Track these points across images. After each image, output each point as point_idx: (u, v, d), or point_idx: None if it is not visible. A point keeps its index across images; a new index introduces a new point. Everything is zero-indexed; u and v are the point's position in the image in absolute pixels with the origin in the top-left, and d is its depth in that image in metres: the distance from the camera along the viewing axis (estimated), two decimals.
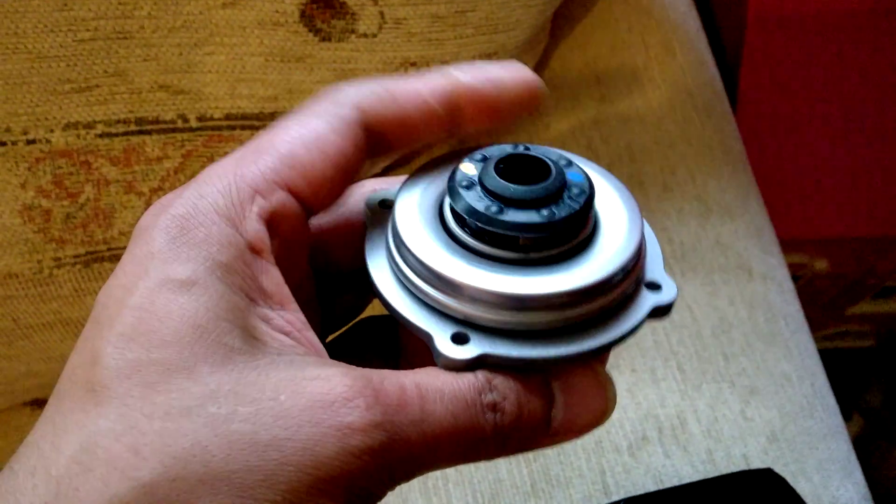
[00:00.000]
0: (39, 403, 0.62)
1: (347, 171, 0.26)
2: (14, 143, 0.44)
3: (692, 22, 0.69)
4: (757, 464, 0.49)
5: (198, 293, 0.22)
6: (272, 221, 0.24)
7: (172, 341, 0.22)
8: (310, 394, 0.22)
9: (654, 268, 0.27)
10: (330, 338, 0.31)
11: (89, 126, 0.45)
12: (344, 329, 0.32)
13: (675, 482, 0.47)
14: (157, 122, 0.47)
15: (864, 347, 1.27)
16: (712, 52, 0.69)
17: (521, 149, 0.27)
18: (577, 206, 0.25)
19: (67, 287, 0.50)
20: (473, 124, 0.28)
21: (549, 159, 0.26)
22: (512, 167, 0.26)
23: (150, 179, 0.48)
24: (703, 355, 0.53)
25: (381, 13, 0.46)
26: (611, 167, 0.60)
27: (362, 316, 0.32)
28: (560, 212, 0.25)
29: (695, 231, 0.58)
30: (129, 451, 0.20)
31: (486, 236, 0.25)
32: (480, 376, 0.24)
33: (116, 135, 0.46)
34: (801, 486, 0.48)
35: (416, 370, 0.24)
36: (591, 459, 0.49)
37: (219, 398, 0.21)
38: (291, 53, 0.46)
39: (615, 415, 0.51)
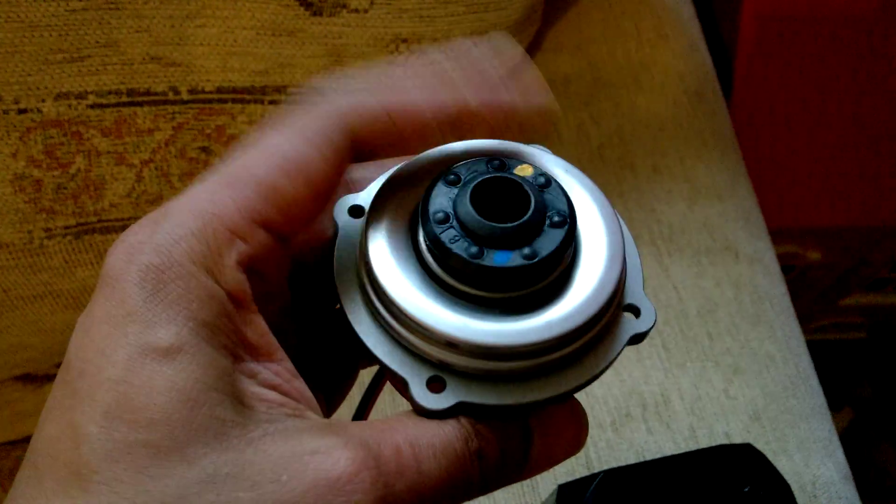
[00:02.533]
0: (31, 378, 0.63)
1: (328, 195, 0.25)
2: (5, 113, 0.45)
3: (686, 8, 0.69)
4: (738, 441, 0.49)
5: (184, 362, 0.21)
6: (253, 265, 0.23)
7: (161, 419, 0.20)
8: (312, 472, 0.21)
9: (634, 287, 0.26)
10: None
11: (81, 96, 0.46)
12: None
13: (657, 458, 0.48)
14: (148, 93, 0.47)
15: (856, 339, 1.28)
16: (710, 43, 0.70)
17: (495, 165, 0.25)
18: (559, 240, 0.24)
19: (58, 258, 0.51)
20: (472, 139, 0.26)
21: (526, 182, 0.25)
22: (487, 192, 0.24)
23: (142, 151, 0.48)
24: (688, 334, 0.54)
25: None
26: (601, 149, 0.61)
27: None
28: (543, 249, 0.24)
29: (683, 213, 0.59)
30: None
31: (465, 277, 0.24)
32: (465, 422, 0.23)
33: (108, 106, 0.46)
34: (782, 464, 0.49)
35: (405, 422, 0.23)
36: None
37: (216, 483, 0.20)
38: (282, 27, 0.46)
39: (599, 391, 0.52)
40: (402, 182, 0.26)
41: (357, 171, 0.28)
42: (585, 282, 0.24)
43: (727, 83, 0.86)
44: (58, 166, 0.47)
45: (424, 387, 0.23)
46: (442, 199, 0.24)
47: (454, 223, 0.24)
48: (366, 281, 0.25)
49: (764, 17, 0.88)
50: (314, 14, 0.46)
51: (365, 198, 0.26)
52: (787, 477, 0.43)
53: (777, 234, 0.65)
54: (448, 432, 0.23)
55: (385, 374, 0.29)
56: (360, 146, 0.25)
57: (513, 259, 0.23)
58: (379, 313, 0.24)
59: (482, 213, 0.24)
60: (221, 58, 0.47)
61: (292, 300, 0.28)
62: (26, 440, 0.65)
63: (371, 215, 0.25)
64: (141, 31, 0.45)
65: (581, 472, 0.48)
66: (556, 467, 0.48)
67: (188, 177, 0.50)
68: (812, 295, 1.16)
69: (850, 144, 0.95)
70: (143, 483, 0.20)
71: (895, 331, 1.24)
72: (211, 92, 0.48)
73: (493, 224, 0.24)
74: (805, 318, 0.59)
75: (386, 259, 0.24)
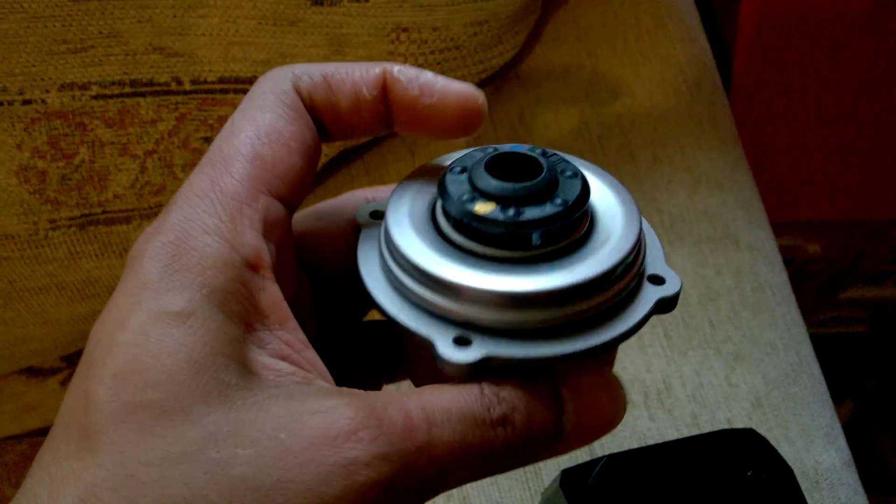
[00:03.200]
0: (35, 371, 0.63)
1: (311, 157, 0.25)
2: (10, 104, 0.45)
3: None
4: (740, 427, 0.49)
5: (194, 325, 0.21)
6: (265, 230, 0.24)
7: (167, 380, 0.21)
8: (312, 429, 0.21)
9: (656, 262, 0.26)
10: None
11: (84, 87, 0.46)
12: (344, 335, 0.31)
13: (660, 442, 0.48)
14: (151, 84, 0.47)
15: (857, 332, 1.28)
16: (708, 31, 0.70)
17: (490, 150, 0.26)
18: (580, 186, 0.25)
19: (62, 250, 0.51)
20: (403, 127, 0.27)
21: (531, 152, 0.26)
22: (498, 167, 0.25)
23: (145, 142, 0.49)
24: (690, 322, 0.54)
25: None
26: (601, 139, 0.61)
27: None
28: (570, 195, 0.24)
29: (683, 202, 0.59)
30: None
31: (492, 239, 0.24)
32: (487, 390, 0.23)
33: (111, 96, 0.47)
34: (784, 451, 0.49)
35: (421, 390, 0.23)
36: None
37: (217, 441, 0.20)
38: (284, 17, 0.47)
39: None
40: (417, 181, 0.27)
41: (381, 192, 0.29)
42: (605, 240, 0.25)
43: (725, 76, 0.86)
44: (62, 157, 0.47)
45: (451, 343, 0.23)
46: (456, 184, 0.25)
47: (477, 196, 0.25)
48: (385, 250, 0.26)
49: (763, 7, 0.88)
50: (315, 3, 0.47)
51: (384, 203, 0.27)
52: (789, 463, 0.43)
53: (777, 227, 0.65)
54: (467, 398, 0.23)
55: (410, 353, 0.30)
56: (313, 113, 0.26)
57: (547, 210, 0.24)
58: (399, 281, 0.25)
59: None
60: (223, 48, 0.47)
61: (319, 315, 0.29)
62: (31, 434, 0.66)
63: (391, 199, 0.26)
64: (143, 21, 0.45)
65: (584, 458, 0.48)
66: None
67: (191, 167, 0.50)
68: (812, 288, 1.16)
69: (849, 137, 0.95)
70: (147, 442, 0.20)
71: None
72: (213, 82, 0.48)
73: (519, 184, 0.24)
74: (805, 311, 0.60)
75: (405, 228, 0.25)
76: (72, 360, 0.64)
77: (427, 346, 0.24)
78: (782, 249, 0.63)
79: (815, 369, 0.56)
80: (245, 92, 0.49)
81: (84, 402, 0.21)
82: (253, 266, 0.23)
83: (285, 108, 0.25)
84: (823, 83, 0.92)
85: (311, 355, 0.24)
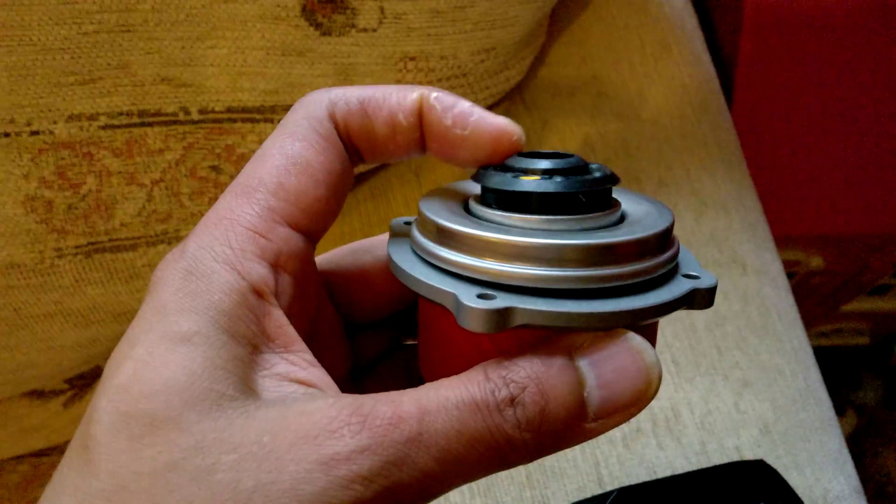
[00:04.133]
0: (38, 394, 0.63)
1: (339, 187, 0.26)
2: (18, 135, 0.45)
3: (689, 19, 0.69)
4: (749, 456, 0.49)
5: (198, 343, 0.22)
6: (278, 260, 0.24)
7: (161, 391, 0.21)
8: (293, 431, 0.21)
9: (692, 266, 0.26)
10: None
11: (92, 118, 0.46)
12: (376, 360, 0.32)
13: (668, 473, 0.48)
14: (158, 114, 0.47)
15: (859, 345, 1.28)
16: (709, 50, 0.70)
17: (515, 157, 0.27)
18: (608, 169, 0.25)
19: (68, 277, 0.51)
20: (435, 153, 0.27)
21: (549, 152, 0.27)
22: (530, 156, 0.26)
23: (152, 171, 0.48)
24: (697, 348, 0.54)
25: (381, 8, 0.47)
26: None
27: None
28: (600, 171, 0.25)
29: (690, 226, 0.59)
30: None
31: (522, 205, 0.24)
32: (492, 373, 0.22)
33: (119, 127, 0.46)
34: (792, 479, 0.49)
35: (423, 386, 0.22)
36: (585, 450, 0.50)
37: (203, 448, 0.20)
38: (292, 47, 0.46)
39: None
40: (444, 190, 0.28)
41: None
42: (638, 222, 0.25)
43: (726, 90, 0.86)
44: (69, 187, 0.47)
45: (474, 297, 0.22)
46: (491, 167, 0.26)
47: (513, 171, 0.25)
48: (415, 228, 0.26)
49: (764, 25, 0.88)
50: (324, 34, 0.47)
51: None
52: (798, 491, 0.43)
53: (779, 241, 0.65)
54: (468, 385, 0.22)
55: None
56: (348, 139, 0.26)
57: (579, 178, 0.25)
58: (426, 250, 0.25)
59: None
60: (231, 78, 0.47)
61: (354, 344, 0.30)
62: (33, 455, 0.65)
63: (423, 200, 0.27)
64: (152, 52, 0.45)
65: (593, 488, 0.48)
66: (568, 484, 0.48)
67: (198, 195, 0.51)
68: (814, 301, 1.17)
69: (851, 152, 0.95)
70: (137, 452, 0.21)
71: None
72: (221, 112, 0.48)
73: (552, 160, 0.25)
74: (807, 323, 0.60)
75: (437, 205, 0.26)
76: (75, 382, 0.64)
77: (450, 307, 0.23)
78: (785, 263, 0.63)
79: (822, 394, 0.56)
80: (252, 121, 0.49)
81: (89, 414, 0.22)
82: (259, 293, 0.23)
83: (317, 136, 0.25)
84: (824, 98, 0.93)
85: (319, 371, 0.24)
